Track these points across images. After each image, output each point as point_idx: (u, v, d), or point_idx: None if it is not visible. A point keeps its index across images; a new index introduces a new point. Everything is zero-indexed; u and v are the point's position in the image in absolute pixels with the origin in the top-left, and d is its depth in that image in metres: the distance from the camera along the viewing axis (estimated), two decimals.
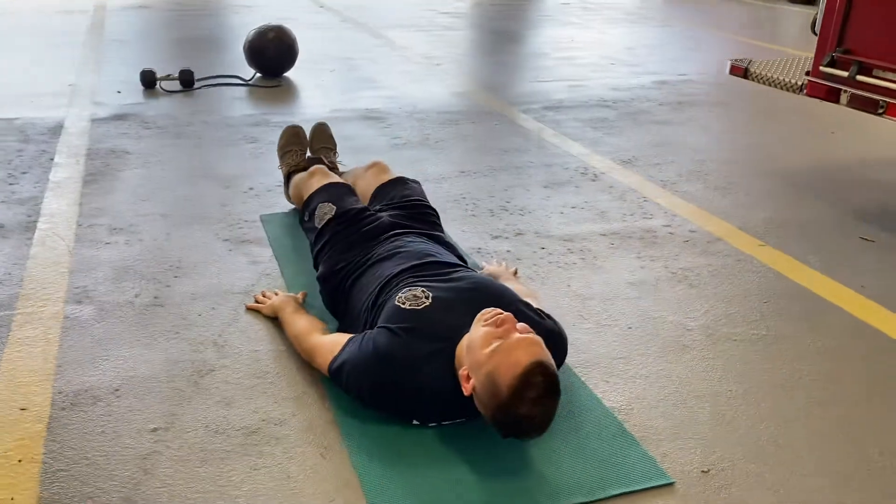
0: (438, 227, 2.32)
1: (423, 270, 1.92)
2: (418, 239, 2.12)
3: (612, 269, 2.56)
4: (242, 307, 2.23)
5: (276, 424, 1.75)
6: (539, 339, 1.58)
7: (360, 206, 2.32)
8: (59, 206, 2.92)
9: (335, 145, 3.03)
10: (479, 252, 2.66)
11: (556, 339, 1.82)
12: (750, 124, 4.49)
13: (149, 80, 4.73)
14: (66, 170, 3.31)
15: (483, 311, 1.66)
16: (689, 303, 2.36)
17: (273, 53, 5.05)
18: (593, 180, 3.40)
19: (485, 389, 1.55)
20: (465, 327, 1.69)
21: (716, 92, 5.15)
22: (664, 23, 8.48)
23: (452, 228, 2.83)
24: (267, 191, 3.14)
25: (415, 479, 1.59)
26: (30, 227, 2.73)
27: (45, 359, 1.96)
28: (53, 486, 1.54)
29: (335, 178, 2.47)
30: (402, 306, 1.76)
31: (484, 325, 1.62)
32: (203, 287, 2.35)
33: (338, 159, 2.99)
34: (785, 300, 2.39)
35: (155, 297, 2.28)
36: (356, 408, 1.77)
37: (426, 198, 2.44)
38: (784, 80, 3.30)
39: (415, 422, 1.73)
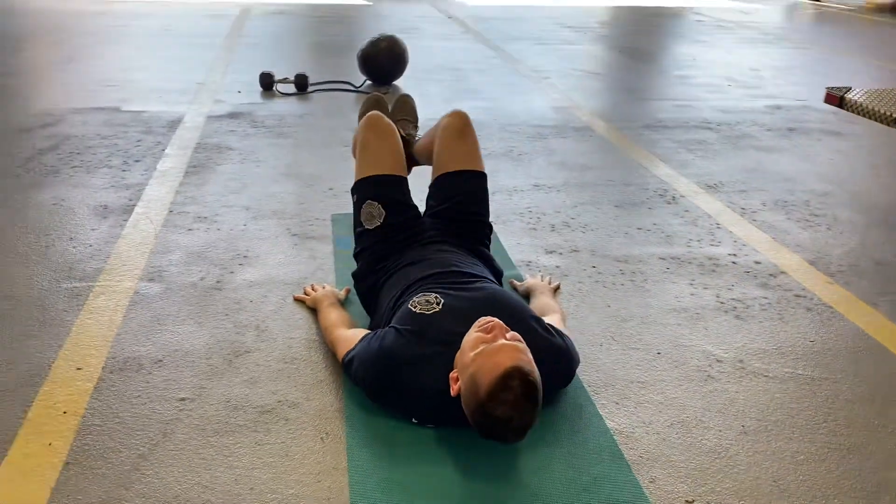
0: (485, 243, 2.35)
1: (445, 278, 2.00)
2: (452, 248, 2.20)
3: (658, 294, 2.53)
4: (290, 297, 2.40)
5: (289, 406, 1.89)
6: (524, 347, 1.63)
7: (408, 211, 2.31)
8: (158, 193, 3.23)
9: (416, 119, 2.94)
10: (528, 265, 2.70)
11: (561, 357, 1.85)
12: (858, 156, 4.24)
13: (267, 83, 5.08)
14: (173, 161, 3.64)
15: (480, 319, 1.72)
16: (730, 334, 2.30)
17: (383, 62, 5.29)
18: (669, 203, 3.35)
19: (467, 389, 1.61)
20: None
21: (832, 120, 4.89)
22: (800, 45, 8.08)
23: (508, 240, 2.89)
24: (345, 192, 3.31)
25: (399, 471, 1.68)
26: (128, 209, 3.04)
27: (109, 327, 2.20)
28: (86, 438, 1.75)
29: (388, 153, 2.32)
30: (414, 310, 1.86)
31: (476, 331, 1.68)
32: (261, 276, 2.54)
33: (417, 134, 2.84)
34: (835, 341, 2.29)
35: (217, 282, 2.50)
36: (366, 400, 1.88)
37: (486, 202, 2.38)
38: (883, 111, 3.12)
39: (413, 420, 1.82)
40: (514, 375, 1.54)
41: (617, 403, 1.96)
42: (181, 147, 3.85)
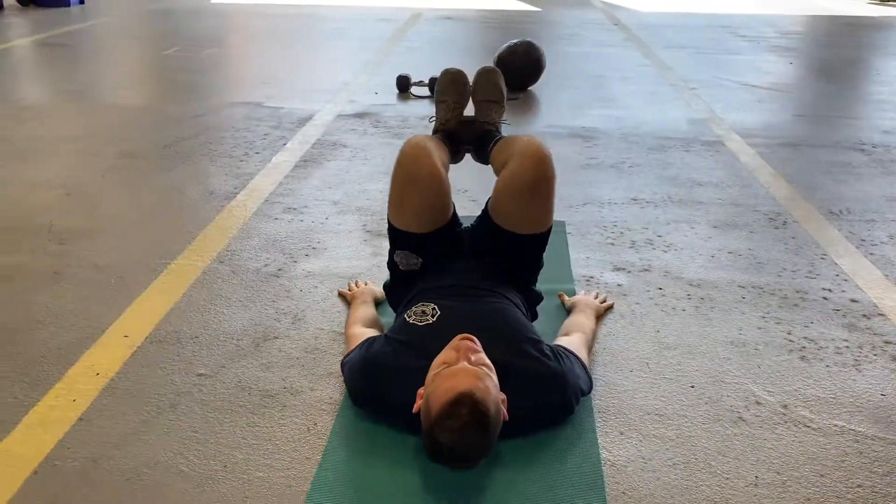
0: (527, 283, 2.14)
1: (452, 291, 1.95)
2: (481, 270, 2.06)
3: (720, 324, 2.33)
4: (338, 290, 2.48)
5: (291, 394, 1.96)
6: (485, 373, 1.56)
7: (448, 249, 2.08)
8: (263, 183, 3.45)
9: (502, 98, 2.37)
10: (587, 281, 2.59)
11: (553, 384, 1.76)
12: None
13: (403, 85, 5.24)
14: (288, 155, 3.86)
15: (456, 337, 1.67)
16: (785, 376, 2.07)
17: (518, 67, 5.26)
18: (776, 228, 3.06)
19: (423, 409, 1.58)
20: None
21: None
22: None
23: (578, 253, 2.79)
24: None
25: (369, 472, 1.68)
26: (230, 196, 3.28)
27: (167, 302, 2.39)
28: (105, 399, 1.92)
29: (422, 208, 2.00)
30: (408, 319, 1.85)
31: (447, 349, 1.64)
32: (320, 267, 2.64)
33: (503, 117, 2.40)
34: None
35: (278, 269, 2.63)
36: None
37: (538, 263, 2.14)
38: None
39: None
40: (464, 402, 1.48)
41: (622, 434, 1.83)
42: (301, 142, 4.07)
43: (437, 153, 2.06)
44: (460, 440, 1.49)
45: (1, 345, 2.16)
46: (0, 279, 2.54)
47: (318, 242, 2.85)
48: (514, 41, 5.34)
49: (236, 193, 3.31)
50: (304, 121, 4.49)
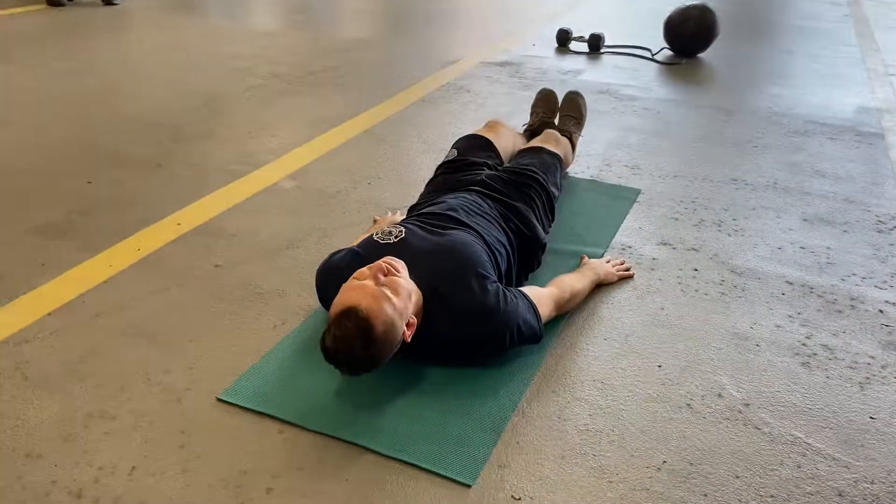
0: (532, 198, 2.32)
1: (434, 218, 2.04)
2: (479, 199, 2.19)
3: (734, 315, 2.17)
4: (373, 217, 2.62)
5: (279, 295, 2.15)
6: (383, 294, 1.64)
7: (478, 158, 2.47)
8: (367, 116, 3.65)
9: (582, 117, 3.09)
10: (623, 250, 2.51)
11: (485, 317, 1.79)
12: None
13: (562, 39, 5.18)
14: (410, 94, 4.03)
15: (385, 257, 1.77)
16: (768, 377, 1.91)
17: (689, 32, 4.98)
18: (880, 231, 2.72)
19: None
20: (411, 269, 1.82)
21: None
22: None
23: (633, 222, 2.69)
24: None
25: (295, 381, 1.80)
26: (334, 123, 3.52)
27: (228, 202, 2.69)
28: (133, 270, 2.25)
29: (488, 131, 2.69)
30: (374, 237, 1.96)
31: (368, 266, 1.74)
32: (370, 197, 2.80)
33: (580, 133, 3.05)
34: None
35: (336, 192, 2.83)
36: None
37: (545, 170, 2.48)
38: None
39: None
40: (349, 316, 1.59)
41: (554, 392, 1.82)
42: (429, 84, 4.22)
43: (514, 133, 2.89)
44: (341, 348, 1.60)
45: (81, 214, 2.58)
46: (115, 163, 3.00)
47: (384, 175, 3.01)
48: (688, 4, 5.04)
49: (339, 122, 3.55)
50: (446, 64, 4.63)
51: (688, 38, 5.00)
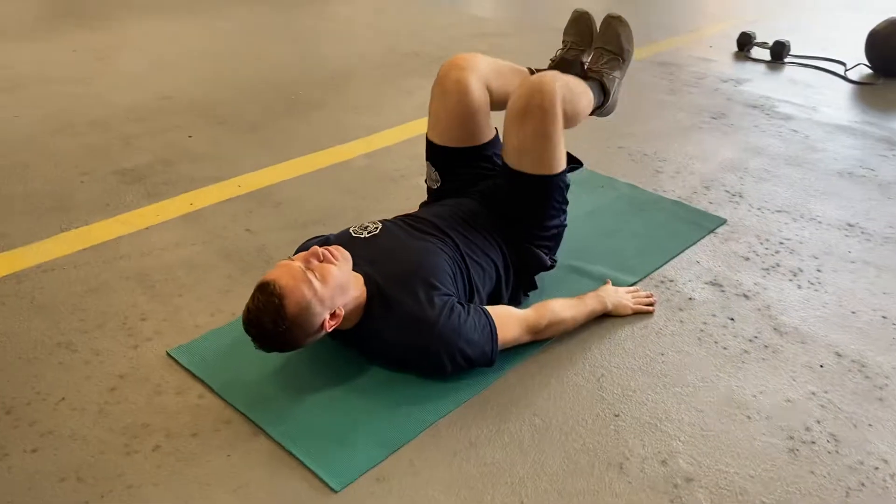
0: (529, 239, 2.06)
1: (416, 221, 1.99)
2: (477, 208, 2.07)
3: (746, 378, 1.90)
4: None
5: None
6: (306, 277, 1.63)
7: (466, 175, 2.15)
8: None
9: (622, 52, 2.26)
10: (662, 283, 2.27)
11: (420, 328, 1.73)
12: None
13: (742, 42, 4.72)
14: None
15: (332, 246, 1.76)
16: (721, 451, 1.65)
17: (894, 47, 4.31)
18: None
19: None
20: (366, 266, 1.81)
21: None
22: None
23: (696, 254, 2.43)
24: (640, 157, 3.14)
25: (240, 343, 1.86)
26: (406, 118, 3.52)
27: (296, 171, 2.82)
28: (176, 222, 2.45)
29: (445, 118, 2.07)
30: (350, 230, 1.96)
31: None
32: None
33: (617, 75, 2.27)
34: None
35: (401, 176, 2.85)
36: None
37: (540, 207, 2.03)
38: None
39: None
40: (263, 290, 1.61)
41: (483, 419, 1.72)
42: None
43: (487, 73, 2.07)
44: (252, 321, 1.63)
45: (164, 164, 2.83)
46: (218, 122, 3.26)
47: None
48: None
49: (415, 116, 3.53)
50: None
51: (892, 54, 4.33)
